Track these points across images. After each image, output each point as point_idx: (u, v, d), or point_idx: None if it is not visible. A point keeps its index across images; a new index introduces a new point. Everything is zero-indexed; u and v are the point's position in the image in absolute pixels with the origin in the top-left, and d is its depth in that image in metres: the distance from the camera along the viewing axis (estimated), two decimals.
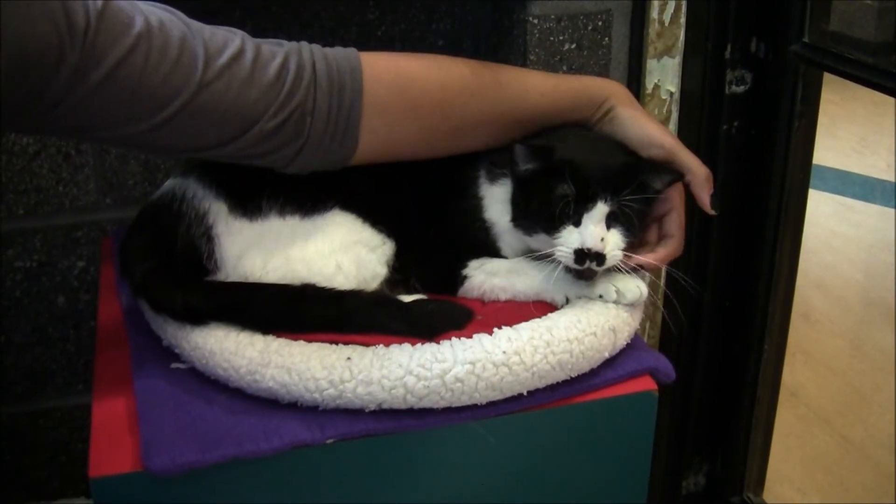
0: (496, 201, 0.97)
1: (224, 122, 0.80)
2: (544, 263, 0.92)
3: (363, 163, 0.89)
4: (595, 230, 0.89)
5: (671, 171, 0.94)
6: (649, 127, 0.96)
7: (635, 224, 0.92)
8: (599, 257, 0.89)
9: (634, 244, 0.94)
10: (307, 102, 0.83)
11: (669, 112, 1.30)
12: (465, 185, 0.98)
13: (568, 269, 0.92)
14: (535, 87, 0.95)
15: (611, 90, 0.98)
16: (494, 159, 0.97)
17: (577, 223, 0.90)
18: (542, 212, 0.91)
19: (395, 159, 0.92)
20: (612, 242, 0.90)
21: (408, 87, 0.88)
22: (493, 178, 0.98)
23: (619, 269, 0.92)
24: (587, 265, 0.90)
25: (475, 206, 0.98)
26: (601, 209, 0.89)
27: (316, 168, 0.87)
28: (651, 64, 1.27)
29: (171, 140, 0.80)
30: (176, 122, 0.77)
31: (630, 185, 0.90)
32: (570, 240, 0.90)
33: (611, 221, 0.90)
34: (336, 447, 0.82)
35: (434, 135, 0.91)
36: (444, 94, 0.90)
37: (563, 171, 0.89)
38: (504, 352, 0.83)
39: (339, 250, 0.92)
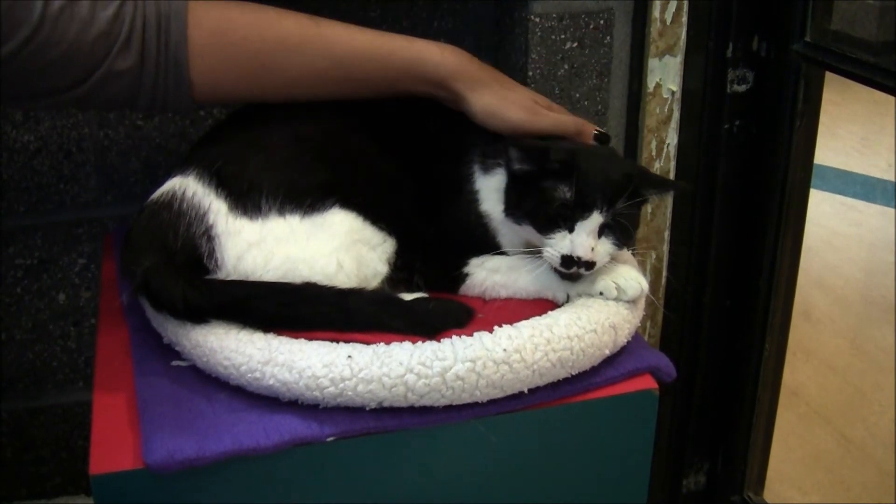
0: (491, 192, 0.97)
1: (67, 63, 0.82)
2: (541, 259, 0.92)
3: (208, 104, 0.93)
4: (587, 240, 0.89)
5: (665, 183, 0.93)
6: (510, 114, 0.95)
7: (629, 233, 0.92)
8: (588, 264, 0.90)
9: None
10: (143, 44, 0.85)
11: (671, 111, 1.30)
12: (461, 180, 0.98)
13: (554, 268, 0.92)
14: (363, 51, 0.94)
15: (449, 68, 0.95)
16: (487, 150, 0.97)
17: (571, 229, 0.90)
18: (536, 211, 0.91)
19: (234, 102, 0.95)
20: (603, 251, 0.91)
21: (227, 34, 0.89)
22: (486, 169, 0.97)
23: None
24: (574, 270, 0.90)
25: (471, 200, 0.98)
26: (596, 219, 0.90)
27: (163, 110, 0.91)
28: (653, 63, 1.27)
29: (18, 82, 0.82)
30: (20, 59, 0.79)
31: (626, 195, 0.90)
32: (560, 245, 0.90)
33: (604, 229, 0.91)
34: (337, 445, 0.82)
35: (259, 83, 0.93)
36: (262, 45, 0.91)
37: (564, 176, 0.89)
38: (504, 349, 0.83)
39: (340, 249, 0.92)
